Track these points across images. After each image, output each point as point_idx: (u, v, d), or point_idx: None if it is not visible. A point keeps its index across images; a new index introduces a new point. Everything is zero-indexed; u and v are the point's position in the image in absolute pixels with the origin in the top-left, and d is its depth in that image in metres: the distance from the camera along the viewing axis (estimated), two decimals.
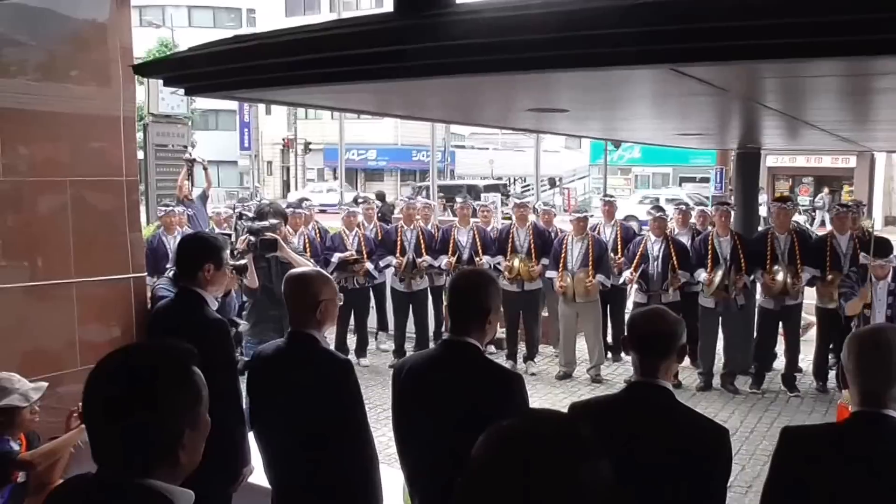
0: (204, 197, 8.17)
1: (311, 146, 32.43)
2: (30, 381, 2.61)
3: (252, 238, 4.00)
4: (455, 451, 2.05)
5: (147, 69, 2.84)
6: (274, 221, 4.09)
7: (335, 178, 29.22)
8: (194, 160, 8.48)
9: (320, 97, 3.17)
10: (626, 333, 2.09)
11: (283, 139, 34.11)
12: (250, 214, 4.42)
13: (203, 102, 22.64)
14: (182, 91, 3.03)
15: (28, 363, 2.93)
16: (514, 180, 29.96)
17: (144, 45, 20.67)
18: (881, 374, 1.66)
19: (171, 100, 12.59)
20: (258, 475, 2.56)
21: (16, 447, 2.56)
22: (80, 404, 1.29)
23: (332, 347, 7.18)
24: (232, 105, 27.65)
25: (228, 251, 2.79)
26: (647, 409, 1.95)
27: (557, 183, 28.87)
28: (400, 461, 2.30)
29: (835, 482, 1.68)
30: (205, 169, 8.55)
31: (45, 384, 2.62)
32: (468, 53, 1.81)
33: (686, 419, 1.94)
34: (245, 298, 4.27)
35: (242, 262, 3.79)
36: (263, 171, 35.71)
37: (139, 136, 13.39)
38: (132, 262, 3.93)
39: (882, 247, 4.58)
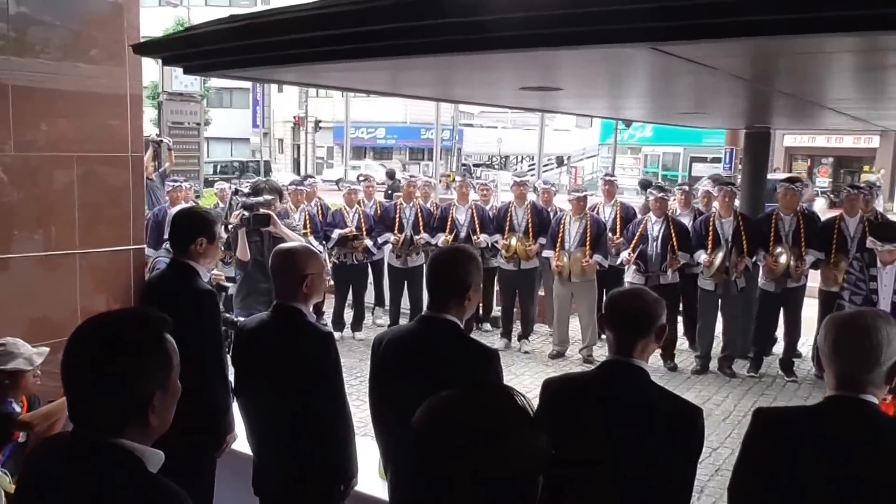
0: (163, 175, 8.60)
1: (321, 124, 32.42)
2: (32, 347, 2.71)
3: (246, 213, 4.05)
4: None
5: (147, 49, 2.88)
6: (269, 197, 4.13)
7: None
8: (161, 141, 9.25)
9: (317, 76, 3.18)
10: (604, 311, 2.10)
11: (294, 117, 34.14)
12: (246, 190, 4.47)
13: (217, 81, 22.68)
14: (181, 70, 3.07)
15: (32, 329, 3.04)
16: (521, 158, 29.82)
17: (162, 23, 20.75)
18: (859, 358, 1.64)
19: (184, 78, 12.68)
20: (241, 443, 2.64)
21: (17, 409, 2.67)
22: None
23: (328, 321, 7.28)
24: (245, 83, 27.64)
25: (221, 226, 2.84)
26: (621, 388, 1.95)
27: (565, 161, 28.67)
28: (375, 434, 2.34)
29: (806, 466, 1.68)
30: (169, 150, 9.19)
31: (47, 349, 2.72)
32: (454, 32, 1.81)
33: (659, 398, 1.94)
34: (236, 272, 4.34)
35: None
36: (275, 148, 35.80)
37: (154, 113, 13.56)
38: (133, 234, 4.05)
39: (890, 231, 4.49)
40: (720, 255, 5.88)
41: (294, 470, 2.35)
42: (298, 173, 27.31)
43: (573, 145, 30.22)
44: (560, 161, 29.71)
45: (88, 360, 1.23)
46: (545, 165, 30.60)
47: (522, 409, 0.93)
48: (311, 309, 2.48)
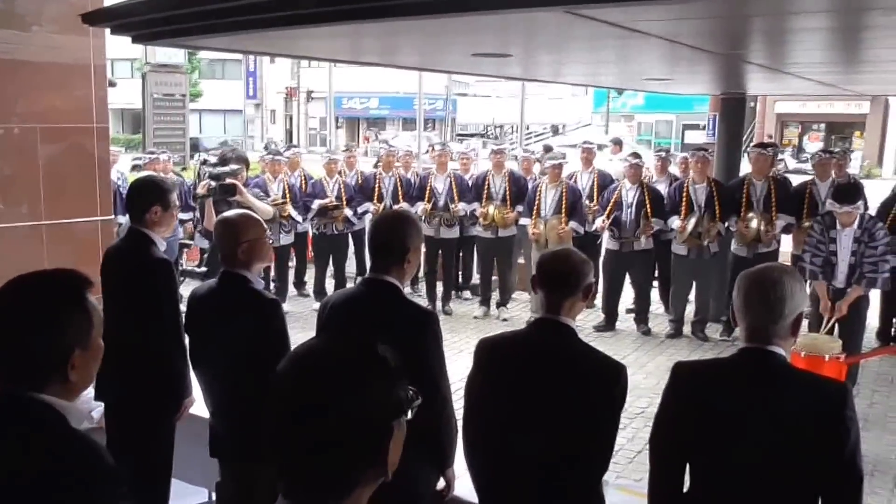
0: None
1: (313, 95, 32.10)
2: None
3: (213, 183, 4.10)
4: None
5: (95, 18, 2.86)
6: (235, 167, 4.17)
7: (338, 127, 29.05)
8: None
9: (262, 43, 3.19)
10: (534, 272, 2.16)
11: (287, 88, 33.78)
12: (213, 160, 4.51)
13: (210, 52, 22.37)
14: (129, 40, 3.08)
15: None
16: (516, 128, 29.65)
17: None
18: (765, 311, 1.70)
19: (168, 49, 12.52)
20: (199, 406, 2.73)
21: None
22: None
23: (309, 291, 7.32)
24: (238, 55, 27.30)
25: (176, 194, 2.88)
26: (549, 344, 2.02)
27: (560, 130, 28.51)
28: None
29: (719, 416, 1.75)
30: None
31: None
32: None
33: (584, 354, 2.01)
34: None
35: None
36: (267, 119, 35.53)
37: (139, 85, 13.45)
38: (101, 204, 4.11)
39: (849, 193, 4.52)
40: (693, 220, 5.93)
41: (247, 434, 2.42)
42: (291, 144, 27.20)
43: (568, 114, 30.00)
44: (555, 130, 29.56)
45: (6, 316, 1.27)
46: (539, 134, 30.48)
47: (381, 358, 0.97)
48: (257, 275, 2.54)
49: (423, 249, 7.11)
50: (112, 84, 8.18)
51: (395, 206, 6.87)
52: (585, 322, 6.85)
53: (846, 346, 4.49)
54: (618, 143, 9.41)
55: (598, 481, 2.04)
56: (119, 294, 2.78)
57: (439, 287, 7.19)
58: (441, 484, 2.28)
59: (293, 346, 1.85)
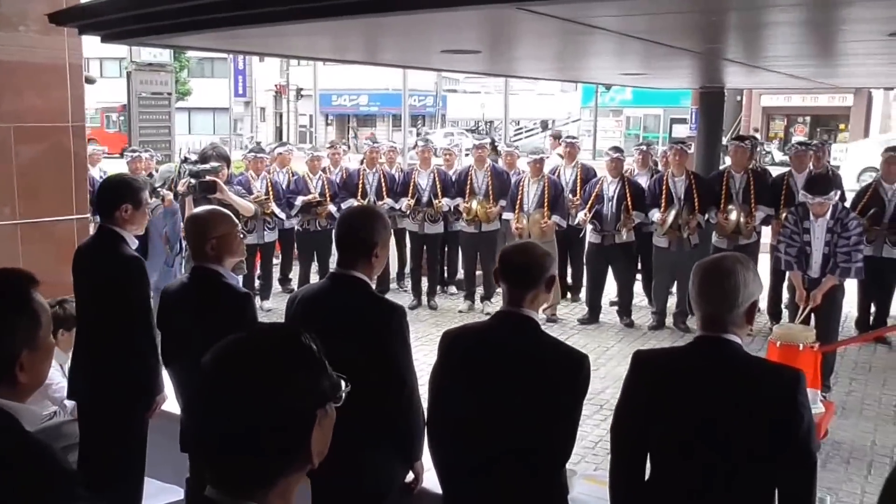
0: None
1: (302, 92, 31.99)
2: None
3: (192, 180, 4.10)
4: (340, 372, 2.20)
5: (63, 17, 2.85)
6: (215, 164, 4.18)
7: (328, 124, 28.99)
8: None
9: (235, 41, 3.20)
10: (497, 265, 2.16)
11: (276, 85, 33.62)
12: (194, 158, 4.51)
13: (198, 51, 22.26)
14: (98, 39, 3.08)
15: None
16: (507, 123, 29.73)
17: None
18: (719, 300, 1.73)
19: (154, 48, 12.45)
20: (172, 403, 2.73)
21: None
22: None
23: (294, 288, 7.27)
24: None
25: (147, 192, 2.88)
26: (511, 336, 2.04)
27: (550, 126, 28.58)
28: None
29: (676, 402, 1.78)
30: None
31: None
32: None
33: (547, 345, 2.03)
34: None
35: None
36: (257, 117, 35.38)
37: (119, 84, 13.36)
38: (76, 203, 4.10)
39: (820, 184, 4.57)
40: (673, 212, 5.97)
41: None
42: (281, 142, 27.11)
43: (558, 109, 30.06)
44: (545, 125, 29.63)
45: None
46: (530, 130, 30.53)
47: (304, 346, 0.98)
48: (230, 269, 2.55)
49: (408, 245, 7.21)
50: (90, 81, 8.08)
51: (379, 203, 6.89)
52: (570, 315, 6.90)
53: (822, 336, 4.56)
54: (557, 137, 9.39)
55: (561, 469, 2.06)
56: (90, 292, 2.78)
57: (424, 282, 7.21)
58: (410, 477, 2.29)
59: None
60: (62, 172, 4.06)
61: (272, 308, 6.93)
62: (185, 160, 4.66)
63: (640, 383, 1.86)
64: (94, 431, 2.73)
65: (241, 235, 2.55)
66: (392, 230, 7.41)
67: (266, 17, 2.07)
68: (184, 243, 4.85)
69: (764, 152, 18.46)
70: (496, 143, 9.62)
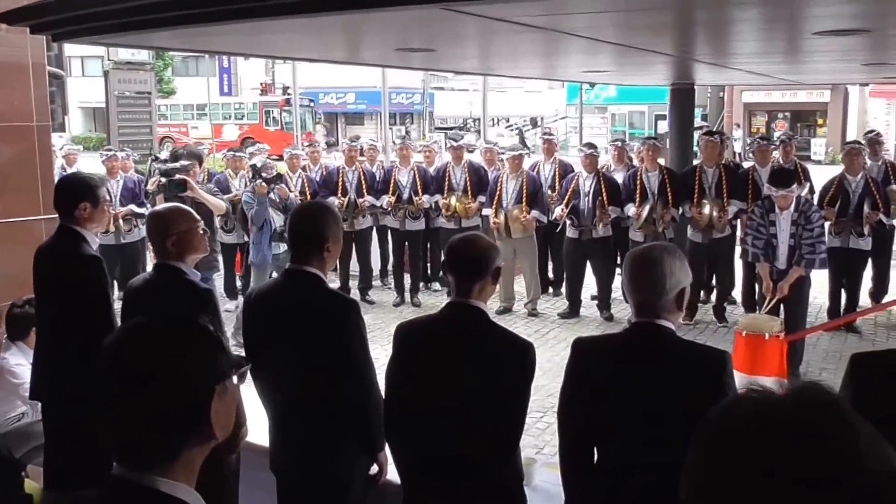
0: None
1: (288, 90, 31.87)
2: None
3: (163, 179, 4.12)
4: (298, 371, 2.22)
5: (13, 17, 2.84)
6: (186, 163, 4.19)
7: (316, 122, 28.90)
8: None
9: (192, 41, 3.20)
10: (444, 257, 2.20)
11: (261, 84, 33.48)
12: (164, 157, 4.54)
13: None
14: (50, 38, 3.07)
15: None
16: (497, 121, 29.81)
17: None
18: (649, 287, 1.80)
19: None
20: None
21: None
22: None
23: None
24: None
25: (105, 189, 2.89)
26: (460, 326, 2.09)
27: (539, 123, 28.69)
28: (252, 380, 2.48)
29: (614, 385, 1.84)
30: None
31: None
32: None
33: (494, 334, 2.09)
34: None
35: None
36: None
37: (101, 83, 13.33)
38: (44, 203, 4.10)
39: (783, 177, 4.65)
40: (647, 207, 6.03)
41: None
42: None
43: (546, 107, 30.19)
44: (534, 122, 29.75)
45: None
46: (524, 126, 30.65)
47: (199, 327, 1.05)
48: (192, 266, 2.57)
49: (390, 242, 7.21)
50: (57, 77, 8.00)
51: (360, 200, 6.92)
52: (550, 309, 6.96)
53: (791, 326, 4.63)
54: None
55: (513, 452, 2.10)
56: (51, 292, 2.80)
57: (407, 279, 7.24)
58: (374, 469, 2.33)
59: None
60: (28, 172, 4.07)
61: None
62: (156, 159, 4.68)
63: (581, 369, 1.93)
64: (57, 429, 2.75)
65: (203, 231, 2.57)
66: (376, 227, 7.38)
67: (209, 17, 2.09)
68: (272, 223, 5.04)
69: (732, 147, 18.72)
70: (524, 135, 9.64)
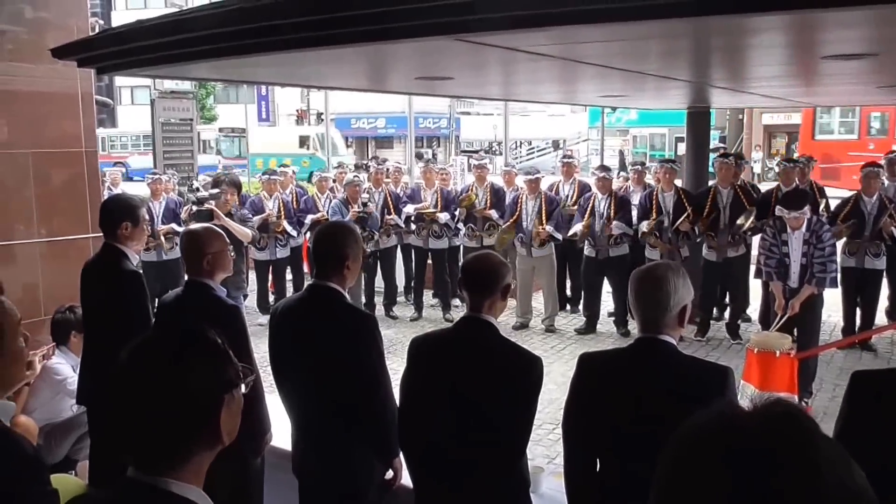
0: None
1: (322, 116, 32.68)
2: None
3: (194, 207, 4.40)
4: (318, 381, 2.34)
5: (63, 52, 3.05)
6: (214, 191, 4.47)
7: (347, 147, 29.58)
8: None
9: (229, 71, 3.45)
10: (460, 275, 2.29)
11: (297, 110, 34.40)
12: (196, 185, 4.85)
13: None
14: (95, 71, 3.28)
15: None
16: (521, 143, 30.12)
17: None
18: (654, 304, 1.85)
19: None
20: None
21: None
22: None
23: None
24: None
25: (144, 210, 3.11)
26: (472, 340, 2.17)
27: (561, 146, 28.90)
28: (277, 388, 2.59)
29: (617, 398, 1.89)
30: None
31: None
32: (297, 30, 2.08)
33: (504, 348, 2.14)
34: None
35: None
36: None
37: (147, 111, 13.99)
38: (91, 223, 4.39)
39: (795, 199, 4.73)
40: (654, 221, 6.16)
41: None
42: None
43: (568, 129, 30.45)
44: (556, 145, 30.01)
45: None
46: (542, 150, 30.87)
47: (207, 339, 1.10)
48: (219, 283, 2.74)
49: (413, 258, 7.38)
50: (106, 105, 8.41)
51: (386, 218, 7.15)
52: (567, 326, 7.05)
53: (803, 343, 4.67)
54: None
55: (519, 460, 2.16)
56: (95, 304, 3.01)
57: (428, 295, 7.39)
58: (389, 474, 2.43)
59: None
60: (77, 194, 4.35)
61: None
62: (191, 188, 4.99)
63: (585, 383, 1.97)
64: (100, 435, 2.95)
65: (232, 255, 2.75)
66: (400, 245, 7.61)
67: (242, 50, 2.31)
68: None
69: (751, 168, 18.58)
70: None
